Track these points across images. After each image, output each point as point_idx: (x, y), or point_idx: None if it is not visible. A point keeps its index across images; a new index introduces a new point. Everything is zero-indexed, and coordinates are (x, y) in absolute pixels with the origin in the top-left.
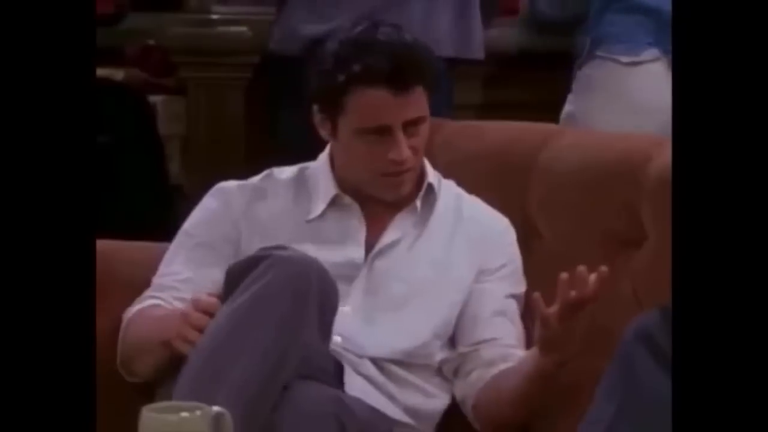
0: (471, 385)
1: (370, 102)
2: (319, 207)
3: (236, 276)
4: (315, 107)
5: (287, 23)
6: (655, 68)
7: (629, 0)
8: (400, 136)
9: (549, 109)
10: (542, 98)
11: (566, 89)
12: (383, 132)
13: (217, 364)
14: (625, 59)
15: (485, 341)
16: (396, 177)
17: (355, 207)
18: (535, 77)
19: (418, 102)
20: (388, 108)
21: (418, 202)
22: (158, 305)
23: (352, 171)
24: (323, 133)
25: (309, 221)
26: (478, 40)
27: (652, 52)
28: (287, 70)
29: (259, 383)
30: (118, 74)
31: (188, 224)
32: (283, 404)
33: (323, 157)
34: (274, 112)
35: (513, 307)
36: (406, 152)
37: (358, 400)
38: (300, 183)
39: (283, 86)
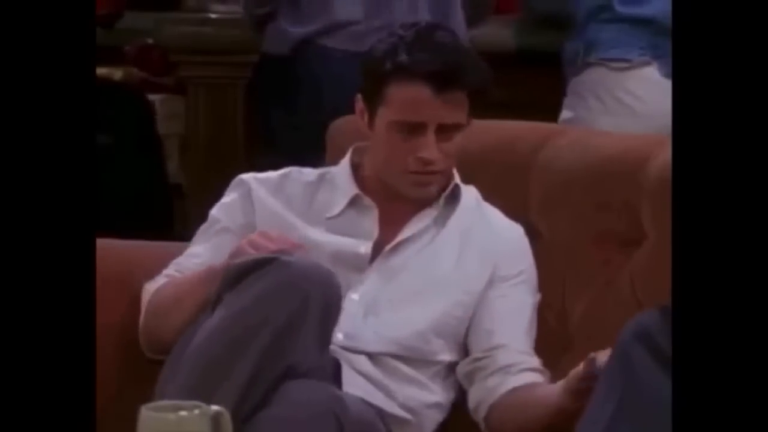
0: (488, 391)
1: (409, 96)
2: (339, 206)
3: (236, 276)
4: (359, 95)
5: (278, 24)
6: (647, 73)
7: (616, 11)
8: (432, 137)
9: (548, 108)
10: (541, 98)
11: (565, 89)
12: (417, 129)
13: (212, 370)
14: (616, 64)
15: (500, 347)
16: (422, 176)
17: (373, 209)
18: (533, 77)
19: (457, 108)
20: (426, 106)
21: (441, 201)
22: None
23: (383, 165)
24: (361, 123)
25: (328, 218)
26: (462, 27)
27: (643, 57)
28: (278, 69)
29: (248, 392)
30: (116, 73)
31: (214, 210)
32: (281, 402)
33: (345, 160)
34: (266, 111)
35: (528, 314)
36: (435, 154)
37: (356, 398)
38: (320, 185)
39: (274, 85)
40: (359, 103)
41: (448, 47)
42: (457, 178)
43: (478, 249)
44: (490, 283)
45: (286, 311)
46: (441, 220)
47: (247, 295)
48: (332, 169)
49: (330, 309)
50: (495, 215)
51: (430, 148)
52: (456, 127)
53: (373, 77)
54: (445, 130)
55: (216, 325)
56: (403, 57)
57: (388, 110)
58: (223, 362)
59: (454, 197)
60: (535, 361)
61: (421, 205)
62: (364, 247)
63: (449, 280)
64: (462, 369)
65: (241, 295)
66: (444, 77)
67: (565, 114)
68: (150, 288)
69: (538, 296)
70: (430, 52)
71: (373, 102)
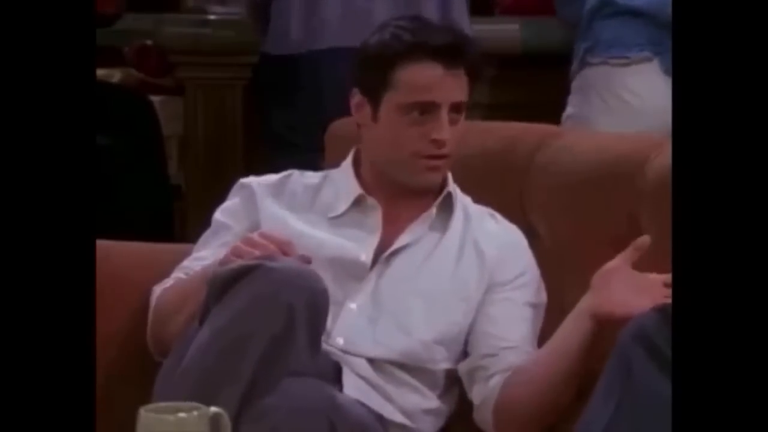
0: (492, 389)
1: (421, 75)
2: (343, 206)
3: (220, 286)
4: (355, 89)
5: (278, 25)
6: (647, 69)
7: (619, 4)
8: (445, 117)
9: (551, 109)
10: (545, 98)
11: (568, 89)
12: (429, 110)
13: (205, 387)
14: (616, 61)
15: (505, 348)
16: (434, 160)
17: (377, 209)
18: (538, 77)
19: (464, 86)
20: (439, 84)
21: (434, 209)
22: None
23: (389, 153)
24: (359, 118)
25: (330, 219)
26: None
27: (643, 53)
28: (278, 69)
29: (242, 406)
30: (115, 75)
31: (218, 213)
32: (277, 399)
33: (347, 162)
34: (265, 112)
35: (531, 314)
36: (449, 133)
37: (354, 401)
38: (322, 187)
39: (274, 86)
40: (356, 96)
41: (447, 27)
42: (450, 186)
43: (475, 255)
44: (489, 288)
45: (271, 325)
46: (438, 227)
47: (232, 308)
48: (334, 171)
49: (317, 314)
50: (492, 220)
51: (444, 128)
52: (463, 107)
53: (376, 64)
54: (454, 110)
55: (205, 340)
56: (409, 38)
57: (396, 94)
58: (215, 379)
59: (447, 204)
60: None
61: (419, 209)
62: (365, 255)
63: (448, 287)
64: (463, 368)
65: (227, 308)
66: (452, 52)
67: (568, 111)
68: (157, 291)
69: (544, 296)
70: (434, 31)
71: (376, 90)
